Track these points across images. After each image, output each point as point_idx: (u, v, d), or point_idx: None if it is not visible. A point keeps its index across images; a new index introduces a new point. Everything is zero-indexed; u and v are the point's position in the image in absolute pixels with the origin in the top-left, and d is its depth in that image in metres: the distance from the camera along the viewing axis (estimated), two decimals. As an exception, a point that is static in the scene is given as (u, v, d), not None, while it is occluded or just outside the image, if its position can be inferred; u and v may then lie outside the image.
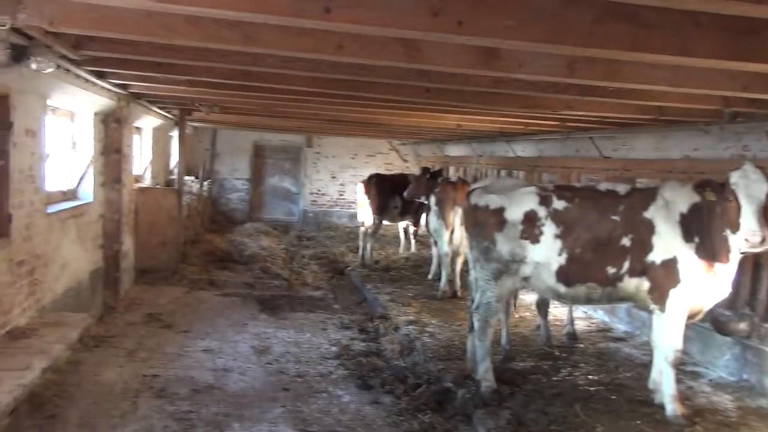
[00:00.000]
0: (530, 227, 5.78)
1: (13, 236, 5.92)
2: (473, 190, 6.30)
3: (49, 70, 5.26)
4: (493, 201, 5.96)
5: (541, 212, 5.79)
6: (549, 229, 5.74)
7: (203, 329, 8.34)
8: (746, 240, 4.95)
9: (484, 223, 5.96)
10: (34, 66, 5.04)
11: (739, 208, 5.02)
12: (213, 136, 19.31)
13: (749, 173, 5.07)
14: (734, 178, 5.09)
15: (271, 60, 4.91)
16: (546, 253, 5.74)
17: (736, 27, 3.55)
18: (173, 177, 14.43)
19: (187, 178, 14.63)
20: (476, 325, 6.10)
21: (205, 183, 17.43)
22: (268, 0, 3.04)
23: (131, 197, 10.42)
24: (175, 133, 14.53)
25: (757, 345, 6.39)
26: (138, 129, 11.89)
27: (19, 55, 4.92)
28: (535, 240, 5.77)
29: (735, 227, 5.06)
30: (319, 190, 20.28)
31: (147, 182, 12.61)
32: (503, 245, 5.84)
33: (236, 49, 4.29)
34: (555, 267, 5.73)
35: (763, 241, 4.92)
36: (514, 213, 5.85)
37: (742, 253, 5.22)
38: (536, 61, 4.58)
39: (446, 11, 3.16)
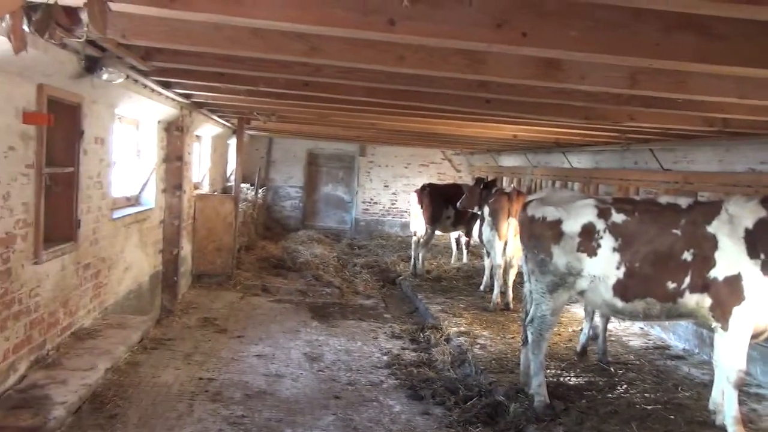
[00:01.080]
0: (588, 240, 5.69)
1: (80, 240, 6.16)
2: (530, 201, 6.25)
3: (119, 80, 5.46)
4: (551, 213, 5.90)
5: (600, 225, 5.69)
6: (607, 243, 5.64)
7: (257, 335, 8.47)
8: None
9: (540, 235, 5.90)
10: (105, 77, 5.24)
11: None
12: (269, 144, 19.68)
13: (820, 188, 4.88)
14: (806, 192, 4.91)
15: (330, 70, 4.98)
16: (603, 266, 5.63)
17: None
18: (230, 184, 14.74)
19: (243, 185, 14.91)
20: (530, 338, 6.03)
21: (260, 190, 17.73)
22: (335, 13, 3.09)
23: (190, 203, 10.70)
24: (232, 141, 14.85)
25: (826, 368, 6.12)
26: (198, 137, 12.21)
27: (91, 66, 5.12)
28: (592, 253, 5.68)
29: None
30: (371, 199, 20.39)
31: (205, 189, 12.91)
32: (560, 258, 5.76)
33: (299, 60, 4.37)
34: (612, 281, 5.62)
35: None
36: (572, 225, 5.77)
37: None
38: (598, 72, 4.52)
39: (510, 23, 3.16)
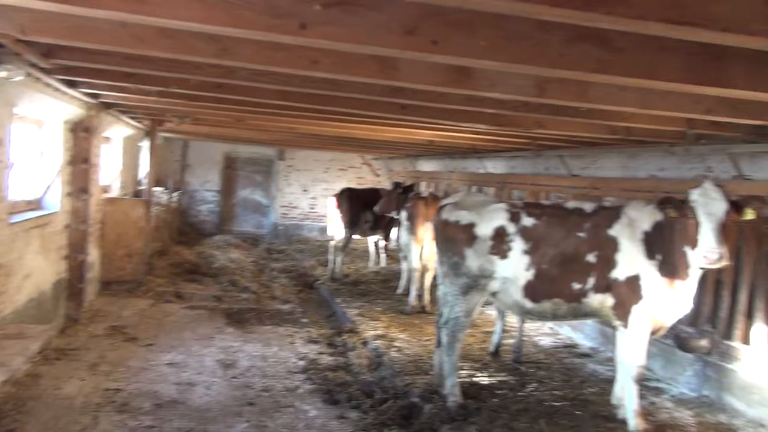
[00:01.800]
0: (499, 243, 5.85)
1: (-26, 245, 5.80)
2: (444, 205, 6.36)
3: (19, 78, 5.20)
4: (464, 217, 6.03)
5: (511, 228, 5.87)
6: (517, 245, 5.82)
7: (168, 342, 8.23)
8: (705, 257, 5.06)
9: (454, 239, 6.02)
10: (3, 74, 4.97)
11: (698, 225, 5.13)
12: (184, 147, 19.18)
13: (709, 191, 5.19)
14: (694, 195, 5.20)
15: (243, 73, 4.92)
16: (514, 268, 5.81)
17: (700, 53, 3.66)
18: (142, 188, 14.26)
19: (156, 189, 14.48)
20: (444, 340, 6.14)
21: (175, 194, 17.26)
22: (245, 15, 3.06)
23: (98, 207, 10.28)
24: (145, 144, 14.38)
25: (717, 362, 6.53)
26: (107, 139, 11.75)
27: (-13, 62, 4.85)
28: (503, 255, 5.84)
29: (694, 244, 5.17)
30: (290, 203, 20.24)
31: (115, 192, 12.44)
32: (472, 260, 5.90)
33: (211, 61, 4.29)
34: (522, 282, 5.80)
35: (720, 258, 5.04)
36: (484, 229, 5.92)
37: (701, 269, 5.35)
38: (507, 80, 4.65)
39: (421, 30, 3.21)
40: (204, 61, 4.32)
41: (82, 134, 8.87)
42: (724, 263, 5.13)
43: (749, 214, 5.36)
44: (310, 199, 20.26)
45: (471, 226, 5.96)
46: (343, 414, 6.21)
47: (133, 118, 11.21)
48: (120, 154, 12.90)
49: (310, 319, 10.24)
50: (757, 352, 6.15)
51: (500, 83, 4.66)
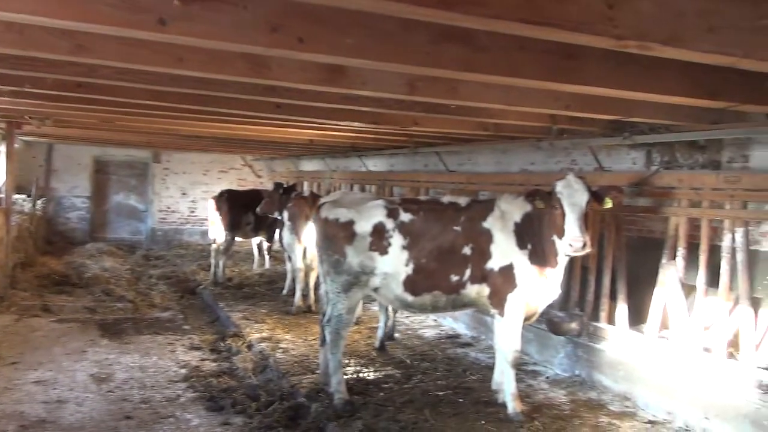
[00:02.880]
0: (379, 239, 5.93)
1: None
2: (323, 204, 6.36)
3: None
4: (343, 214, 6.06)
5: (389, 224, 5.96)
6: (396, 241, 5.92)
7: (35, 359, 7.67)
8: (570, 245, 5.40)
9: (334, 237, 6.04)
10: None
11: (563, 215, 5.46)
12: (48, 150, 17.95)
13: (572, 183, 5.54)
14: (559, 187, 5.54)
15: (106, 71, 4.66)
16: (394, 263, 5.91)
17: (557, 51, 3.87)
18: (0, 195, 13.22)
19: (17, 196, 13.47)
20: (328, 338, 6.15)
21: (39, 201, 16.14)
22: (100, 9, 2.90)
23: (-50, 218, 9.42)
24: (2, 148, 13.33)
25: (586, 342, 6.96)
26: (-42, 143, 10.81)
27: None
28: (383, 251, 5.92)
29: (561, 233, 5.50)
30: (168, 207, 19.51)
31: (-31, 201, 11.46)
32: (353, 258, 5.94)
33: (66, 59, 4.04)
34: (402, 277, 5.91)
35: (584, 246, 5.39)
36: (364, 226, 5.97)
37: (567, 256, 5.68)
38: (379, 78, 4.72)
39: (286, 28, 3.19)
40: (59, 58, 4.06)
41: (-74, 139, 8.09)
42: (587, 250, 5.48)
43: (608, 203, 5.78)
44: (190, 202, 19.63)
45: (350, 223, 6.00)
46: (228, 420, 6.06)
47: (-14, 120, 10.37)
48: (-27, 160, 11.89)
49: (192, 326, 9.91)
50: (620, 332, 6.62)
51: (373, 81, 4.72)
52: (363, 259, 5.94)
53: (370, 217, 6.01)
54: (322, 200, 6.60)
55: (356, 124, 7.37)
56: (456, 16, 2.77)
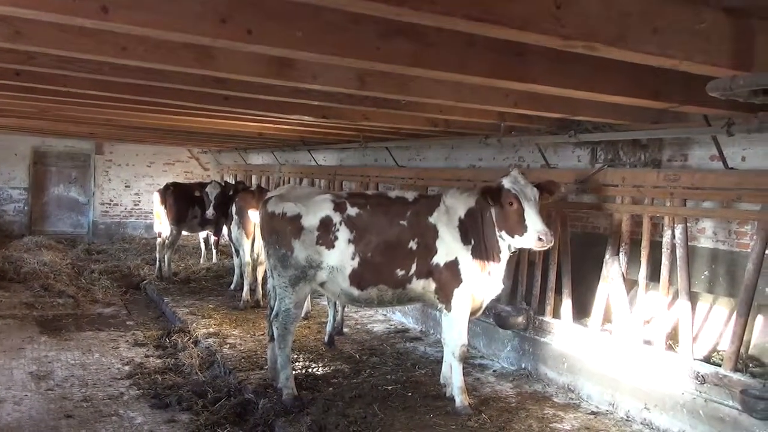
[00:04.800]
0: (326, 233, 5.90)
1: None
2: (269, 198, 6.29)
3: None
4: (290, 208, 6.00)
5: (336, 218, 5.93)
6: (343, 235, 5.89)
7: (-30, 357, 7.41)
8: (540, 239, 5.42)
9: (281, 231, 5.98)
10: None
11: (521, 211, 5.52)
12: (-18, 141, 17.26)
13: (518, 178, 5.62)
14: (507, 183, 5.59)
15: (45, 59, 4.49)
16: (340, 257, 5.88)
17: (505, 49, 3.91)
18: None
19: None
20: (276, 333, 6.10)
21: (-27, 193, 15.53)
22: (39, -6, 2.79)
23: None
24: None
25: (532, 336, 7.09)
26: None
27: None
28: (330, 246, 5.89)
29: (519, 229, 5.53)
30: (111, 200, 18.98)
31: None
32: (300, 252, 5.90)
33: (3, 45, 3.87)
34: (349, 271, 5.89)
35: (551, 238, 5.46)
36: (311, 220, 5.93)
37: (512, 252, 5.77)
38: (329, 72, 4.68)
39: (235, 19, 3.13)
40: (-5, 45, 3.89)
41: None
42: (551, 244, 5.55)
43: (548, 197, 5.90)
44: (134, 195, 19.14)
45: (297, 217, 5.95)
46: (173, 417, 5.96)
47: None
48: None
49: (137, 322, 9.71)
50: (565, 325, 6.76)
51: (322, 75, 4.68)
52: (310, 253, 5.90)
53: (317, 211, 5.97)
54: (269, 194, 6.53)
55: (306, 117, 7.32)
56: (404, 11, 2.77)
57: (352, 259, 5.87)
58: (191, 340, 8.16)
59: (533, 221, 5.45)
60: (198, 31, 3.12)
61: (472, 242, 5.84)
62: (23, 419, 5.76)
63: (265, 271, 9.82)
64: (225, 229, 11.59)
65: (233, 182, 13.75)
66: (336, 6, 3.04)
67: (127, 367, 7.35)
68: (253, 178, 16.61)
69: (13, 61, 4.60)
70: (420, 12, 2.74)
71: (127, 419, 5.89)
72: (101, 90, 5.77)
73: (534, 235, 5.44)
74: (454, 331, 5.92)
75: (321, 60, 3.95)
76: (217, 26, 3.10)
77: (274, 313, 6.18)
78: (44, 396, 6.35)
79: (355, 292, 5.95)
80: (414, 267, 5.89)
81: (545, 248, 5.62)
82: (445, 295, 5.89)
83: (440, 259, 5.87)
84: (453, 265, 5.83)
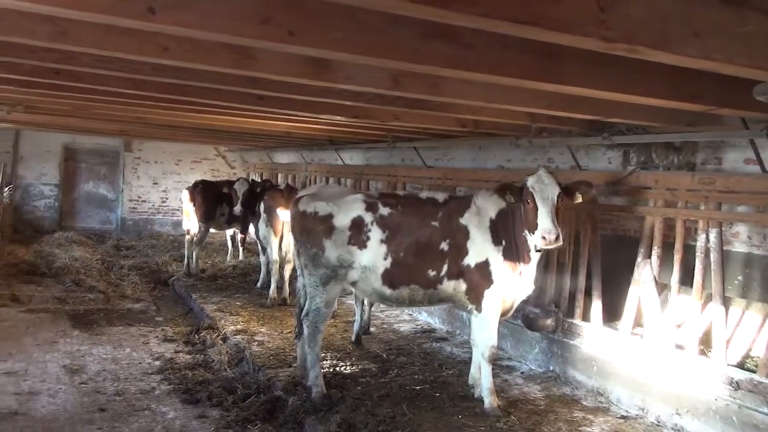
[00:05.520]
0: (357, 233, 5.93)
1: None
2: (301, 197, 6.33)
3: None
4: (322, 208, 6.04)
5: (368, 218, 5.96)
6: (375, 235, 5.92)
7: (5, 350, 7.53)
8: (543, 238, 5.44)
9: (312, 230, 6.02)
10: None
11: (536, 209, 5.52)
12: (15, 137, 17.57)
13: (543, 177, 5.61)
14: (530, 182, 5.60)
15: (86, 58, 4.56)
16: (373, 257, 5.91)
17: (539, 50, 3.90)
18: (-33, 183, 12.94)
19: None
20: (306, 331, 6.14)
21: (6, 189, 15.80)
22: (88, -4, 2.84)
23: None
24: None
25: (561, 338, 7.05)
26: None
27: None
28: (362, 245, 5.92)
29: (533, 227, 5.55)
30: (139, 197, 19.26)
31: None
32: (331, 251, 5.93)
33: (47, 45, 3.94)
34: (381, 270, 5.92)
35: (557, 239, 5.44)
36: (342, 219, 5.96)
37: (538, 251, 5.74)
38: (364, 72, 4.70)
39: (276, 20, 3.15)
40: (39, 44, 3.97)
41: None
42: (559, 243, 5.53)
43: (578, 198, 5.87)
44: (162, 192, 19.39)
45: (329, 217, 5.99)
46: (204, 413, 6.02)
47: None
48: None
49: (166, 318, 9.82)
50: (595, 328, 6.72)
51: (357, 75, 4.70)
52: (341, 253, 5.93)
53: (348, 210, 6.00)
54: (300, 193, 6.57)
55: (338, 117, 7.35)
56: (448, 14, 2.77)
57: (385, 259, 5.90)
58: (220, 337, 8.24)
59: (541, 219, 5.47)
60: (239, 31, 3.14)
61: (503, 243, 5.84)
62: (58, 411, 5.86)
63: (293, 270, 9.94)
64: (251, 227, 11.69)
65: (260, 180, 13.85)
66: (379, 8, 3.05)
67: (157, 362, 7.45)
68: (279, 176, 16.72)
69: (53, 60, 4.67)
70: (463, 14, 2.74)
71: (159, 414, 5.96)
72: (138, 89, 5.84)
73: (539, 233, 5.45)
74: (484, 332, 5.91)
75: (357, 61, 3.96)
76: (258, 28, 3.13)
77: (304, 311, 6.22)
78: (78, 389, 6.45)
79: (388, 291, 5.98)
80: (445, 268, 5.90)
81: (551, 247, 5.58)
82: (475, 296, 5.89)
83: (471, 260, 5.87)
84: (484, 266, 5.83)
